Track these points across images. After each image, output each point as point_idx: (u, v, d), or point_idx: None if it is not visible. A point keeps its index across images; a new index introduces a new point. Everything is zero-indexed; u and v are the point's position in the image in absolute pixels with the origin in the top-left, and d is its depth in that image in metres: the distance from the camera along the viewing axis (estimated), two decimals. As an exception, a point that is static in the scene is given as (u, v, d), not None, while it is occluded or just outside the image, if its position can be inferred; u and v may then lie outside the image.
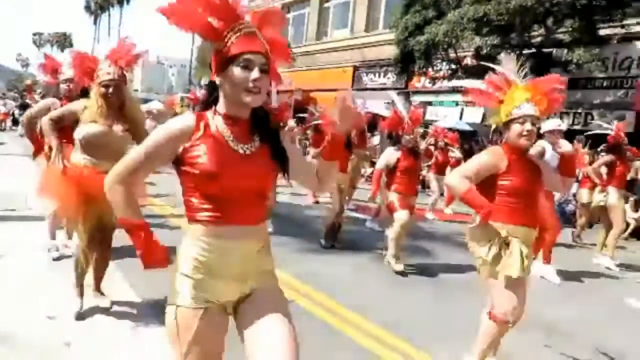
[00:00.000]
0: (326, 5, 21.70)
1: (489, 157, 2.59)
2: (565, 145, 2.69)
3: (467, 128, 13.91)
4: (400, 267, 4.75)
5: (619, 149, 5.91)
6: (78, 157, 2.90)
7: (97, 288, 3.19)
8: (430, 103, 16.10)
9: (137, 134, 2.87)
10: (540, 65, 9.31)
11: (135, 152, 1.53)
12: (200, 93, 4.71)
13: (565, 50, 9.60)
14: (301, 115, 15.09)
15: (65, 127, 3.03)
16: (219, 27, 1.42)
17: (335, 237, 5.67)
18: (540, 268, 5.12)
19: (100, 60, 2.99)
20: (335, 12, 21.40)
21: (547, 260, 5.23)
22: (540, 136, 4.69)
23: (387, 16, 17.14)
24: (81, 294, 3.04)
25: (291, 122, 10.54)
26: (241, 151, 1.48)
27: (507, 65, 2.65)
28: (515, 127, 2.49)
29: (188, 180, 1.48)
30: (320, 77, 20.03)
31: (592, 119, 11.31)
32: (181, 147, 1.45)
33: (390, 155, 4.89)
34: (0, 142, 13.18)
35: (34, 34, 64.55)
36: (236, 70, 1.41)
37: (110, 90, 2.81)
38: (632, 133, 9.34)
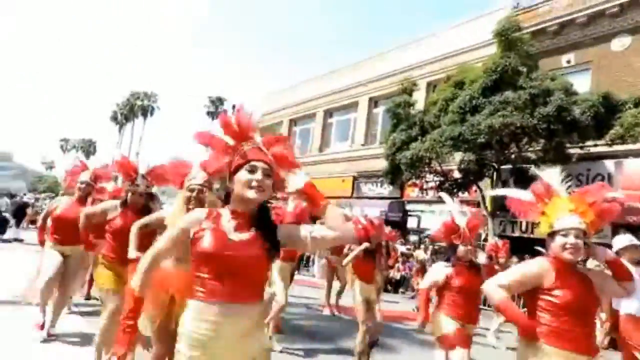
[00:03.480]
0: (330, 120, 23.71)
1: (533, 267, 2.44)
2: (600, 253, 2.47)
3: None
4: None
5: None
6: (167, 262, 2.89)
7: None
8: (422, 211, 16.90)
9: None
10: (520, 179, 10.23)
11: (163, 238, 1.94)
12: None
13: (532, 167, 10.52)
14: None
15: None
16: (234, 145, 1.83)
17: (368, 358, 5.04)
18: None
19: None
20: (337, 127, 23.28)
21: None
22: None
23: (383, 132, 18.69)
24: None
25: None
26: (236, 239, 1.74)
27: (549, 175, 2.57)
28: (559, 240, 2.36)
29: (193, 259, 1.78)
30: (322, 185, 20.87)
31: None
32: (192, 232, 1.79)
33: (438, 271, 3.91)
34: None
35: (61, 140, 67.73)
36: (243, 173, 1.77)
37: (195, 194, 2.96)
38: (610, 244, 9.81)
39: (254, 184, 1.74)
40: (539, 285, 2.35)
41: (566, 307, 2.28)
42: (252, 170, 1.76)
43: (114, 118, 54.00)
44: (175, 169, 3.33)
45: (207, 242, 1.73)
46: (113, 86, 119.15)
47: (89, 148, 63.00)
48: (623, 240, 4.71)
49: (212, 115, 47.52)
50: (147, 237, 3.24)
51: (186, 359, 1.69)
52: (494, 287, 2.41)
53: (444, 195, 4.93)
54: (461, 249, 3.85)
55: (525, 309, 2.49)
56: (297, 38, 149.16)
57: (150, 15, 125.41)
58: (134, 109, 51.16)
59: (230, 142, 1.83)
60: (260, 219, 1.82)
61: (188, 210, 2.91)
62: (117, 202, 3.92)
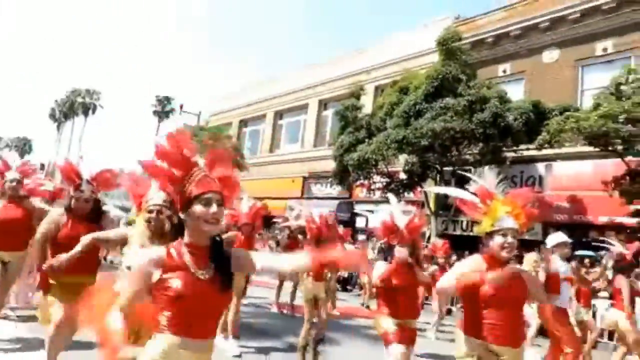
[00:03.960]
0: (280, 122, 23.85)
1: (470, 263, 2.64)
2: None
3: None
4: None
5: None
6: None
7: None
8: (371, 212, 17.41)
9: None
10: (460, 181, 10.84)
11: (128, 292, 1.84)
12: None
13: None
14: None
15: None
16: (180, 175, 1.80)
17: (316, 356, 5.22)
18: None
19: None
20: (287, 129, 23.48)
21: None
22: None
23: (332, 134, 19.09)
24: None
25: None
26: (201, 277, 1.76)
27: (488, 178, 2.73)
28: (498, 239, 2.53)
29: (160, 300, 1.76)
30: (273, 186, 21.27)
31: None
32: (157, 274, 1.75)
33: (380, 269, 3.98)
34: None
35: (-8, 138, 63.87)
36: (198, 208, 1.75)
37: (154, 215, 2.85)
38: (540, 241, 10.62)
39: (210, 218, 1.76)
40: (469, 287, 2.52)
41: (493, 301, 2.47)
42: (207, 203, 1.76)
43: (52, 115, 51.39)
44: (132, 190, 3.24)
45: (177, 283, 1.73)
46: (52, 82, 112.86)
47: (24, 147, 59.46)
48: (556, 238, 5.16)
49: (159, 114, 46.22)
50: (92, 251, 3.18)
51: None
52: (440, 285, 2.71)
53: (390, 196, 4.96)
54: (397, 249, 3.89)
55: (462, 306, 2.77)
56: (248, 39, 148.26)
57: (95, 9, 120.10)
58: (74, 107, 48.83)
59: (177, 173, 1.81)
60: (216, 252, 1.85)
61: (150, 230, 2.87)
62: (61, 210, 3.67)
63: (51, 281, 3.52)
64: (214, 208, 1.76)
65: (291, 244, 8.58)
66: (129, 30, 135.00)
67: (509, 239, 2.51)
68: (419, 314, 4.13)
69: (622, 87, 9.13)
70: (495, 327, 2.49)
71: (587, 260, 9.52)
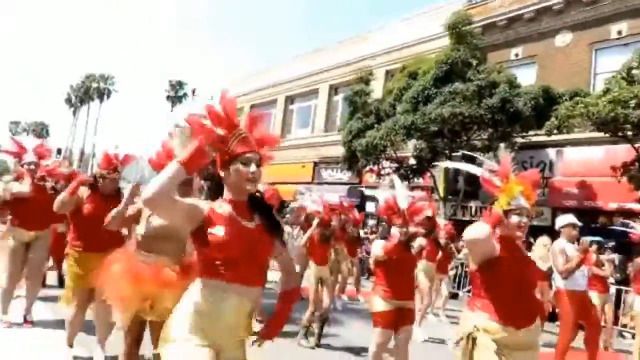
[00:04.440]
0: (290, 107, 23.88)
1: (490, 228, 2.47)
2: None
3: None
4: None
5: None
6: (139, 256, 2.88)
7: None
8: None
9: None
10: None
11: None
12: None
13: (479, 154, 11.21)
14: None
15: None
16: (224, 134, 1.84)
17: (320, 336, 5.40)
18: None
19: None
20: (298, 114, 23.50)
21: None
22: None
23: (342, 119, 19.08)
24: None
25: None
26: (249, 225, 1.89)
27: (505, 158, 2.78)
28: (514, 219, 2.52)
29: (203, 246, 1.82)
30: (283, 171, 21.41)
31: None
32: (196, 224, 1.81)
33: (377, 247, 4.00)
34: None
35: (12, 122, 64.96)
36: (239, 166, 1.84)
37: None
38: (550, 226, 10.62)
39: (250, 176, 1.85)
40: (490, 252, 2.47)
41: (511, 281, 2.44)
42: (246, 163, 1.84)
43: (68, 100, 52.04)
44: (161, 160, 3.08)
45: (222, 229, 1.80)
46: (67, 68, 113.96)
47: (41, 131, 60.41)
48: (564, 219, 5.25)
49: (172, 99, 46.55)
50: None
51: (184, 342, 1.75)
52: (474, 235, 2.49)
53: (395, 178, 4.93)
54: (395, 229, 3.95)
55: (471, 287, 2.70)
56: (260, 23, 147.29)
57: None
58: (90, 92, 49.38)
59: (221, 132, 1.84)
60: (258, 207, 1.97)
61: None
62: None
63: (71, 258, 3.80)
64: (252, 167, 1.85)
65: (308, 226, 8.71)
66: (143, 16, 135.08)
67: (524, 218, 2.52)
68: (414, 296, 4.18)
69: (634, 72, 8.99)
70: (506, 307, 2.42)
71: (594, 247, 9.53)
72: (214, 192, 1.97)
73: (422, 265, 6.85)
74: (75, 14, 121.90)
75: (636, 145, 9.10)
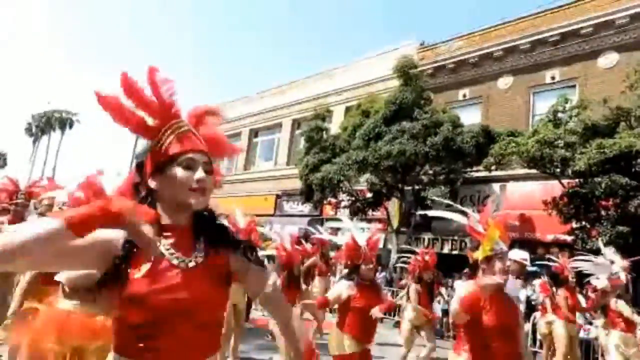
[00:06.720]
0: (255, 140, 24.36)
1: (474, 288, 2.49)
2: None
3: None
4: None
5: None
6: (64, 303, 2.55)
7: None
8: (339, 229, 17.93)
9: None
10: (418, 200, 11.53)
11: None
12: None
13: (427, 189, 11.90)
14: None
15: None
16: (155, 125, 1.30)
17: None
18: None
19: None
20: (262, 146, 24.00)
21: None
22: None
23: (300, 154, 19.64)
24: None
25: None
26: (182, 265, 1.25)
27: (488, 204, 2.79)
28: (497, 264, 2.51)
29: (119, 301, 1.21)
30: (246, 203, 21.60)
31: (466, 245, 13.37)
32: (115, 253, 1.19)
33: (342, 289, 3.84)
34: None
35: (-33, 151, 62.65)
36: (178, 171, 1.26)
37: None
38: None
39: (194, 185, 1.26)
40: (477, 310, 2.45)
41: (496, 329, 2.42)
42: (189, 166, 1.27)
43: (28, 129, 50.87)
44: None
45: (140, 275, 1.19)
46: (29, 96, 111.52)
47: (-2, 161, 58.46)
48: (519, 254, 5.73)
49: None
50: None
51: None
52: (453, 313, 2.55)
53: (343, 217, 5.34)
54: (363, 268, 3.85)
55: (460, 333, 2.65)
56: (226, 57, 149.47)
57: (73, 21, 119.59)
58: (51, 121, 48.53)
59: (150, 121, 1.31)
60: (205, 231, 1.35)
61: None
62: None
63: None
64: (199, 173, 1.27)
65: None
66: (108, 48, 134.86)
67: (506, 262, 2.55)
68: (373, 338, 4.04)
69: (560, 115, 9.94)
70: (495, 354, 2.43)
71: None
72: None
73: (409, 312, 6.40)
74: (38, 43, 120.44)
75: (563, 182, 9.93)
